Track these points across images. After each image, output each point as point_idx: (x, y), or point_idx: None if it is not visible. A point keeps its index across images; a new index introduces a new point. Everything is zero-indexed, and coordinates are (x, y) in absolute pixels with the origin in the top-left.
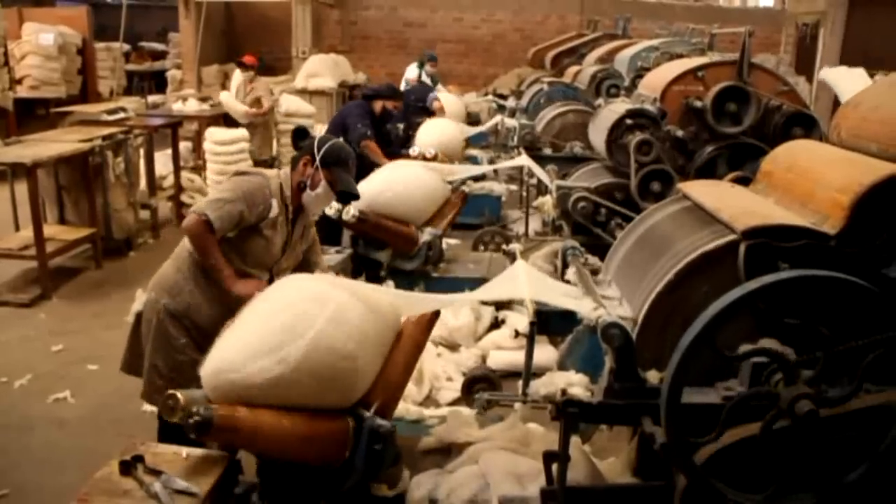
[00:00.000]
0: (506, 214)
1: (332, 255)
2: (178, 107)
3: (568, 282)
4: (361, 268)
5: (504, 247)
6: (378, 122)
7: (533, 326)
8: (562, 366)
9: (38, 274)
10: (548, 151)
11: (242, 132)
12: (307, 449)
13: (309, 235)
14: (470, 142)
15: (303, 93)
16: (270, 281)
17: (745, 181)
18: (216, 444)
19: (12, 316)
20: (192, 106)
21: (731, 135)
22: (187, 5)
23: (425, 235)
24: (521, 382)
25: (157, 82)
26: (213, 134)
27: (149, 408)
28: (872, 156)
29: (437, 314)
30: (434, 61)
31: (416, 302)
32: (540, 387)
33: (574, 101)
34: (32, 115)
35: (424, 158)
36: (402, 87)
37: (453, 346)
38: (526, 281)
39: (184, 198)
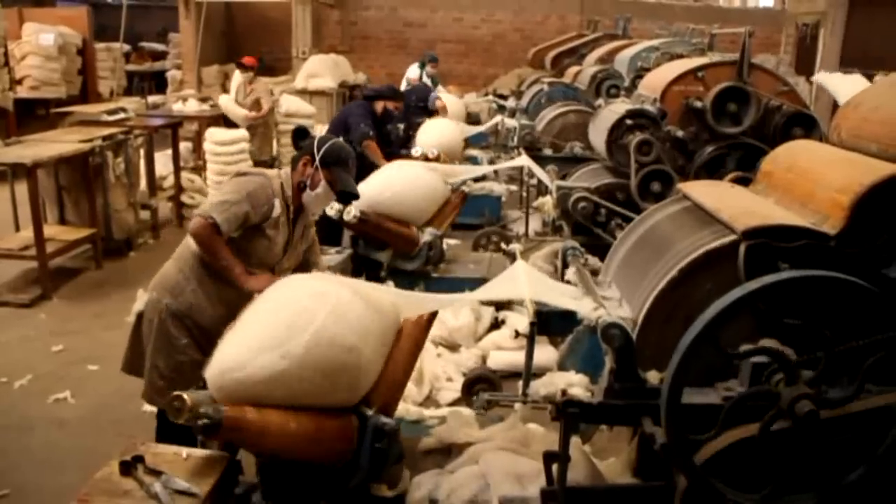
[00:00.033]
0: (506, 215)
1: (332, 256)
2: (178, 107)
3: (568, 282)
4: (361, 268)
5: (504, 247)
6: (379, 122)
7: (533, 327)
8: (562, 366)
9: (38, 274)
10: (548, 152)
11: (242, 132)
12: (313, 448)
13: (309, 235)
14: (470, 142)
15: (303, 93)
16: None
17: (745, 181)
18: (217, 445)
19: (12, 316)
20: (192, 106)
21: (731, 135)
22: (187, 6)
23: (426, 236)
24: (521, 383)
25: (158, 83)
26: (214, 134)
27: (149, 408)
28: (873, 156)
29: (434, 313)
30: (435, 62)
31: (416, 302)
32: (540, 387)
33: (574, 101)
34: (32, 115)
35: (427, 159)
36: (404, 86)
37: (453, 347)
38: (526, 281)
39: (184, 198)
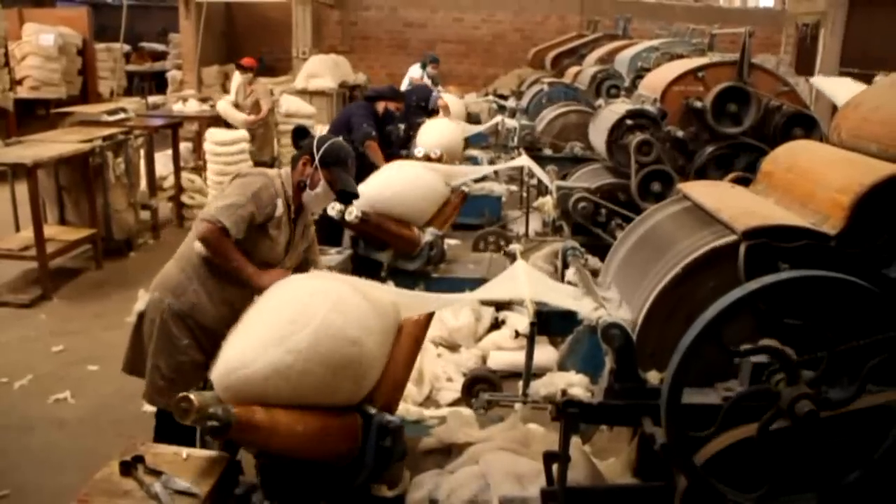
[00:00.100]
0: (506, 215)
1: (332, 256)
2: (178, 107)
3: (569, 283)
4: (361, 269)
5: (504, 247)
6: (380, 122)
7: (533, 327)
8: (562, 366)
9: (38, 274)
10: (548, 152)
11: (243, 133)
12: (320, 447)
13: (308, 234)
14: (470, 142)
15: (303, 93)
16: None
17: (745, 182)
18: (217, 445)
19: (13, 316)
20: (192, 106)
21: (731, 135)
22: (188, 6)
23: (427, 236)
24: (521, 383)
25: (158, 83)
26: (214, 134)
27: (149, 408)
28: (873, 156)
29: (432, 312)
30: (436, 63)
31: (416, 301)
32: (540, 387)
33: (574, 101)
34: (33, 115)
35: (429, 159)
36: (406, 86)
37: (453, 347)
38: (526, 281)
39: (184, 198)
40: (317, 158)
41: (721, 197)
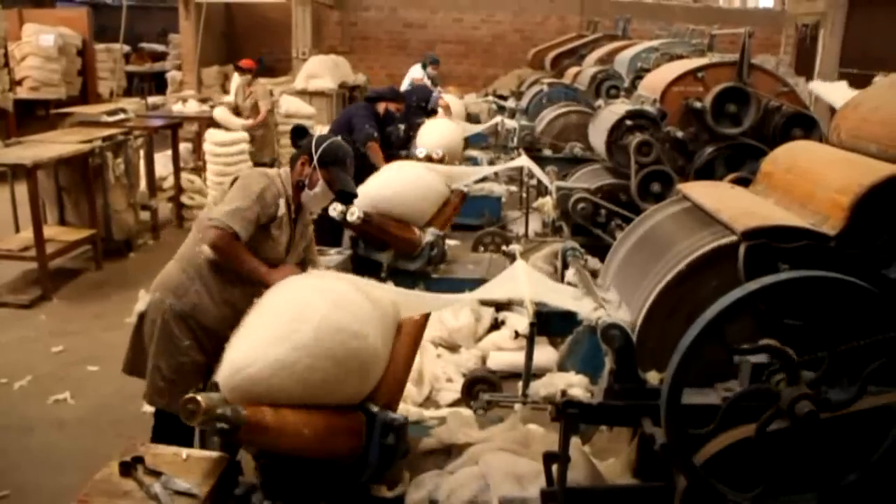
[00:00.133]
0: (506, 215)
1: (332, 257)
2: (178, 108)
3: (568, 283)
4: (361, 269)
5: (504, 248)
6: (381, 123)
7: (533, 327)
8: (562, 367)
9: (38, 275)
10: (548, 152)
11: (242, 134)
12: (325, 446)
13: (307, 233)
14: (470, 142)
15: (303, 94)
16: None
17: (744, 182)
18: (217, 445)
19: (12, 317)
20: (192, 107)
21: (730, 136)
22: (187, 6)
23: (428, 236)
24: (521, 383)
25: (157, 83)
26: (214, 135)
27: (149, 409)
28: (872, 157)
29: (428, 312)
30: (436, 64)
31: (415, 301)
32: (540, 388)
33: (574, 102)
34: (32, 116)
35: (430, 160)
36: (406, 86)
37: (453, 348)
38: (526, 281)
39: (184, 199)
40: (315, 158)
41: (721, 197)
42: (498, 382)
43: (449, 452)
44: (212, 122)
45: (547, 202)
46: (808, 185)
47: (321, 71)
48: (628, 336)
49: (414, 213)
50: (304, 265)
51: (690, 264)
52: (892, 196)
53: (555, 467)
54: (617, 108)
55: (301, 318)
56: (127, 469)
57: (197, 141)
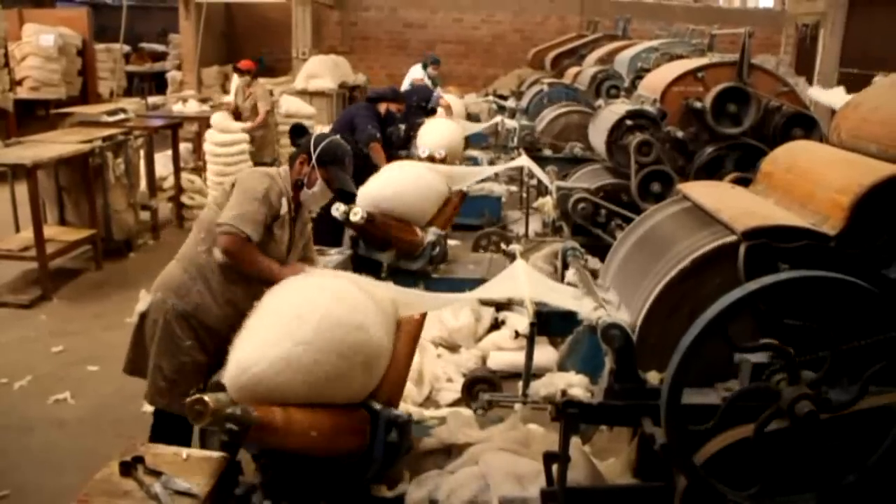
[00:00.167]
0: (506, 215)
1: (332, 257)
2: (178, 108)
3: (569, 283)
4: (361, 269)
5: (504, 248)
6: (382, 124)
7: (533, 327)
8: (562, 367)
9: (38, 275)
10: (548, 152)
11: (243, 133)
12: (333, 444)
13: (306, 232)
14: (470, 142)
15: (303, 94)
16: None
17: (744, 182)
18: (217, 445)
19: (12, 317)
20: (192, 107)
21: (731, 136)
22: (187, 6)
23: (430, 235)
24: (521, 383)
25: (158, 83)
26: (214, 135)
27: (149, 409)
28: (872, 156)
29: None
30: (437, 64)
31: (414, 299)
32: (540, 388)
33: (574, 102)
34: (32, 116)
35: (433, 160)
36: (406, 86)
37: (453, 347)
38: (525, 281)
39: (184, 199)
40: (314, 157)
41: (721, 197)
42: (498, 382)
43: (449, 452)
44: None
45: (547, 202)
46: (808, 185)
47: (321, 71)
48: (628, 336)
49: (415, 212)
50: (303, 263)
51: (694, 261)
52: (892, 196)
53: (555, 467)
54: (617, 108)
55: (302, 315)
56: (127, 469)
57: (197, 141)
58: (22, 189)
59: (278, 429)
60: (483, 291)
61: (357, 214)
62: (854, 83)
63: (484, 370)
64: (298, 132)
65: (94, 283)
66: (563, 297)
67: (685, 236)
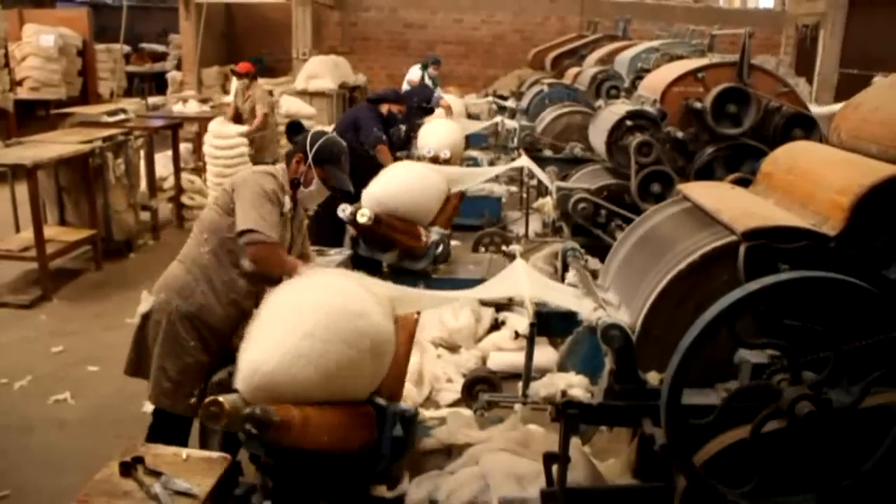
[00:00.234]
0: (506, 216)
1: (332, 257)
2: (178, 108)
3: (569, 284)
4: (361, 269)
5: (504, 248)
6: (384, 125)
7: (533, 328)
8: (562, 367)
9: (38, 275)
10: (548, 153)
11: (241, 138)
12: (345, 440)
13: (303, 229)
14: (470, 142)
15: (303, 94)
16: None
17: (745, 182)
18: (217, 445)
19: (12, 317)
20: (192, 107)
21: (731, 136)
22: (188, 7)
23: (433, 235)
24: (521, 384)
25: (158, 84)
26: (213, 138)
27: (149, 409)
28: (872, 157)
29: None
30: (437, 64)
31: (412, 297)
32: (540, 388)
33: (574, 102)
34: (33, 116)
35: (437, 160)
36: (404, 88)
37: (453, 348)
38: (525, 281)
39: (184, 199)
40: (310, 156)
41: (721, 198)
42: (498, 383)
43: (449, 453)
44: None
45: (547, 202)
46: (808, 186)
47: (321, 71)
48: (628, 336)
49: (419, 212)
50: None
51: (703, 256)
52: (893, 196)
53: (555, 467)
54: (617, 109)
55: (304, 311)
56: (127, 469)
57: (197, 141)
58: (22, 189)
59: (297, 427)
60: (483, 291)
61: (364, 216)
62: (854, 84)
63: (484, 370)
64: (295, 129)
65: (94, 284)
66: (563, 297)
67: (685, 237)
